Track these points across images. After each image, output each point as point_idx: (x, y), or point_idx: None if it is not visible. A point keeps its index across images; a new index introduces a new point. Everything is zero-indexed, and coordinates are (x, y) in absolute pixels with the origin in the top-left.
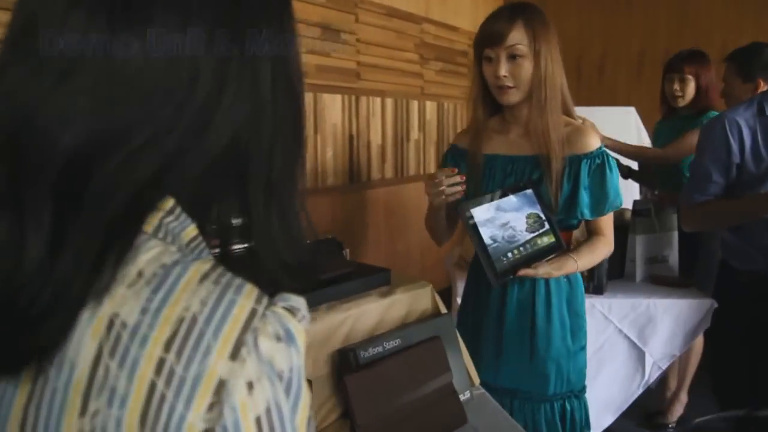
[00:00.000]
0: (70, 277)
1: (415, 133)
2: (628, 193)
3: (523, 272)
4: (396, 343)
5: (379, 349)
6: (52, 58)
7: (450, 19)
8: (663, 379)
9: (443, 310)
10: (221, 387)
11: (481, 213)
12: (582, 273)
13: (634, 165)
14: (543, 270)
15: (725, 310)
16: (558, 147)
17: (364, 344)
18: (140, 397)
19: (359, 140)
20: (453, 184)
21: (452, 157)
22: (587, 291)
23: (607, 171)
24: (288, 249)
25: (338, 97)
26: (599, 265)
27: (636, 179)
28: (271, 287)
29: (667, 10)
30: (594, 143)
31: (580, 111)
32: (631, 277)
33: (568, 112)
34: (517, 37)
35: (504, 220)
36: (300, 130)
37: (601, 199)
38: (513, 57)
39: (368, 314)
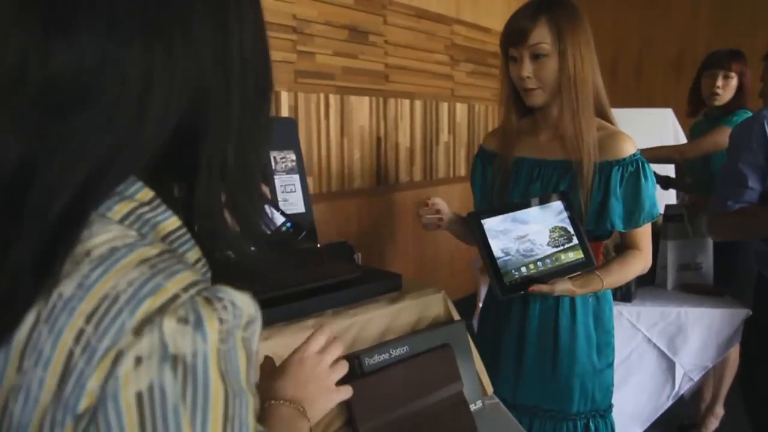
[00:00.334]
0: (19, 275)
1: (444, 136)
2: (661, 197)
3: (535, 288)
4: (403, 350)
5: (386, 356)
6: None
7: (482, 20)
8: (697, 391)
9: (456, 317)
10: (118, 358)
11: (494, 224)
12: None
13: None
14: (562, 287)
15: (759, 323)
16: (590, 152)
17: (369, 351)
18: (60, 361)
19: (387, 142)
20: (431, 215)
21: (480, 160)
22: (615, 298)
23: (642, 179)
24: (235, 236)
25: (366, 99)
26: None
27: (677, 188)
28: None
29: (708, 8)
30: (628, 149)
31: (616, 113)
32: (662, 285)
33: (603, 115)
34: (540, 36)
35: (521, 232)
36: (257, 117)
37: (634, 210)
38: (537, 56)
39: (375, 320)
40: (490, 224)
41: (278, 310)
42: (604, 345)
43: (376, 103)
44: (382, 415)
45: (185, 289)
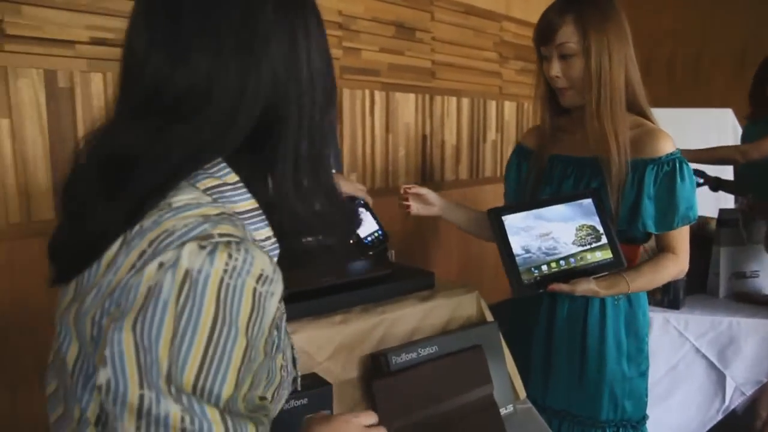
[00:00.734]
0: (114, 214)
1: (492, 134)
2: (714, 201)
3: (555, 287)
4: (432, 350)
5: (413, 355)
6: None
7: (532, 17)
8: (751, 406)
9: (489, 318)
10: (148, 263)
11: (515, 220)
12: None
13: (724, 174)
14: (584, 287)
15: None
16: (619, 151)
17: (397, 349)
18: (124, 270)
19: (433, 140)
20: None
21: (516, 156)
22: (662, 305)
23: (678, 179)
24: (299, 204)
25: (411, 96)
26: (677, 278)
27: (728, 190)
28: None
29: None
30: (665, 147)
31: (672, 113)
32: (714, 293)
33: (640, 112)
34: (567, 34)
35: (545, 230)
36: (325, 115)
37: (668, 211)
38: (564, 56)
39: (405, 318)
40: (511, 221)
41: (306, 304)
42: (636, 352)
43: (422, 100)
44: (407, 415)
45: (222, 235)
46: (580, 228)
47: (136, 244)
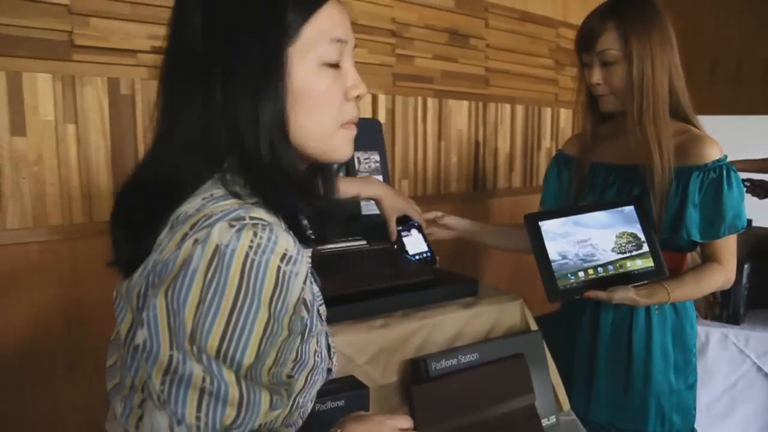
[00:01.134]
0: (157, 204)
1: (547, 142)
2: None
3: (592, 294)
4: (473, 357)
5: (454, 361)
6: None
7: None
8: None
9: (533, 327)
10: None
11: (553, 226)
12: (714, 299)
13: None
14: (622, 295)
15: None
16: (662, 158)
17: (437, 355)
18: (169, 250)
19: (486, 147)
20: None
21: (556, 163)
22: (720, 319)
23: (725, 187)
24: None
25: (465, 104)
26: (736, 292)
27: None
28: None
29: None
30: (711, 154)
31: (713, 120)
32: None
33: (686, 119)
34: (608, 41)
35: (583, 236)
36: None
37: (714, 219)
38: (605, 63)
39: (446, 324)
40: (548, 226)
41: (347, 308)
42: (684, 364)
43: (476, 108)
44: (445, 421)
45: (252, 218)
46: (621, 235)
47: (179, 228)
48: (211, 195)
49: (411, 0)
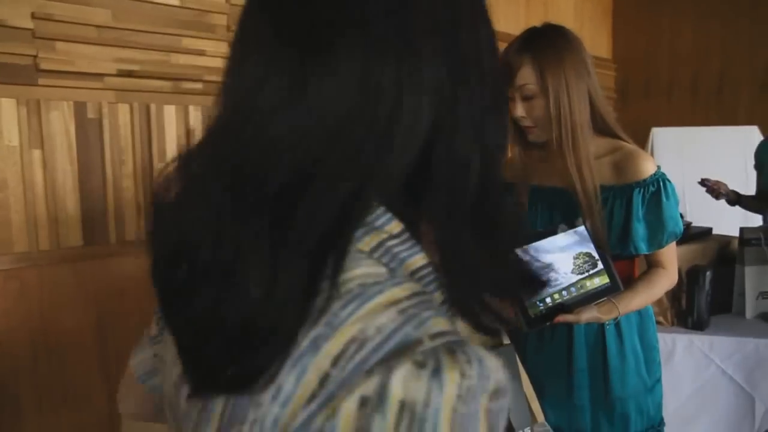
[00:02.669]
0: (286, 301)
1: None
2: (737, 218)
3: (561, 318)
4: None
5: None
6: (263, 97)
7: None
8: None
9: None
10: (345, 398)
11: None
12: (680, 307)
13: (742, 189)
14: (588, 315)
15: None
16: (584, 184)
17: None
18: (300, 402)
19: None
20: None
21: None
22: (686, 326)
23: (664, 198)
24: (481, 271)
25: None
26: (699, 299)
27: (746, 207)
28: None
29: None
30: (648, 168)
31: (697, 131)
32: (740, 313)
33: (614, 135)
34: (525, 76)
35: (545, 261)
36: (497, 134)
37: (658, 231)
38: (526, 97)
39: None
40: None
41: None
42: (651, 361)
43: None
44: None
45: (432, 337)
46: (578, 256)
47: (308, 360)
48: (337, 289)
49: None
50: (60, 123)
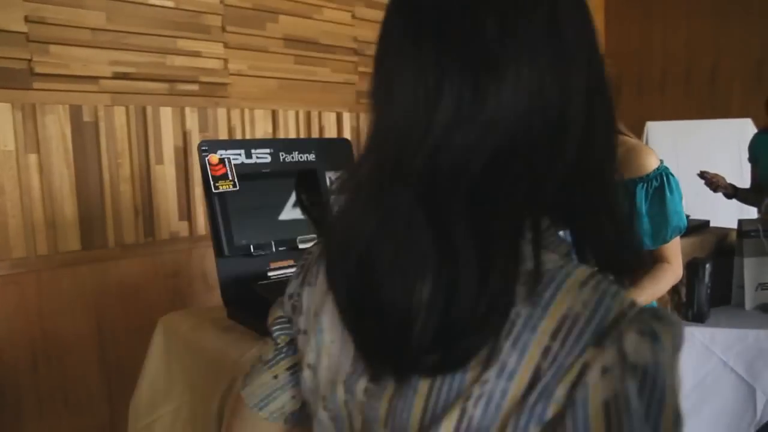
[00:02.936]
0: (500, 287)
1: None
2: (732, 211)
3: None
4: None
5: None
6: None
7: None
8: None
9: None
10: (583, 370)
11: None
12: (680, 300)
13: (737, 182)
14: None
15: None
16: None
17: None
18: (527, 374)
19: None
20: None
21: None
22: (686, 318)
23: (667, 193)
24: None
25: None
26: (699, 291)
27: (742, 200)
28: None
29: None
30: (650, 163)
31: (692, 124)
32: (740, 305)
33: (617, 130)
34: None
35: None
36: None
37: (662, 226)
38: None
39: None
40: None
41: None
42: None
43: None
44: None
45: (630, 307)
46: None
47: (527, 338)
48: (532, 274)
49: (371, 18)
50: (56, 127)
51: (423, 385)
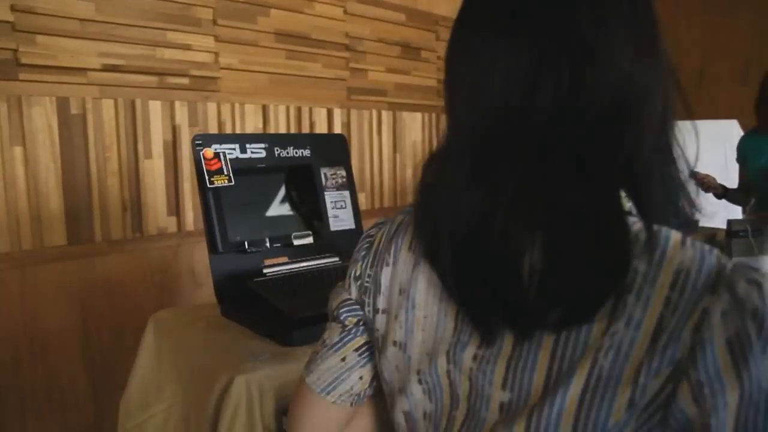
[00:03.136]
0: (620, 248)
1: None
2: (716, 210)
3: None
4: None
5: None
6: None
7: None
8: None
9: None
10: (704, 314)
11: None
12: None
13: (729, 183)
14: None
15: None
16: None
17: None
18: (652, 323)
19: None
20: None
21: None
22: None
23: None
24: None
25: (418, 116)
26: None
27: (731, 200)
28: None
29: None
30: None
31: (677, 125)
32: None
33: None
34: None
35: None
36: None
37: None
38: None
39: None
40: None
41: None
42: None
43: (429, 119)
44: None
45: (724, 260)
46: None
47: (649, 291)
48: (636, 235)
49: (363, 14)
50: (42, 119)
51: (547, 341)
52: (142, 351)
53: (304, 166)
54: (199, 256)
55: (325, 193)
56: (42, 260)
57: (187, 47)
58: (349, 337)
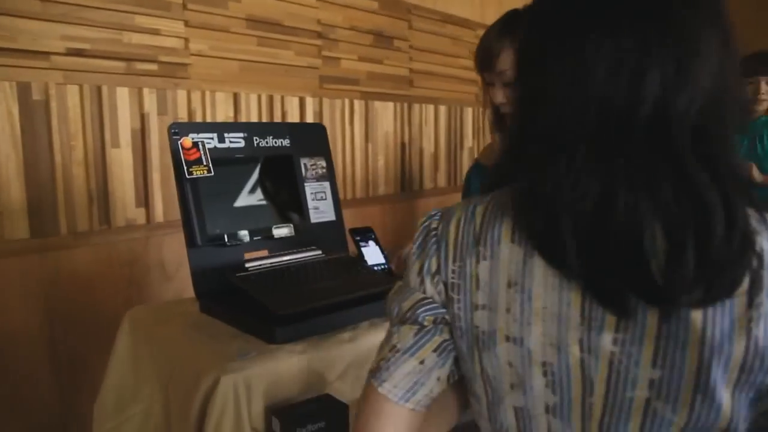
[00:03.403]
0: (746, 227)
1: (469, 141)
2: None
3: None
4: None
5: None
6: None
7: None
8: None
9: None
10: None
11: None
12: None
13: None
14: None
15: None
16: None
17: None
18: None
19: (411, 148)
20: None
21: (477, 173)
22: None
23: None
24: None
25: (390, 105)
26: None
27: None
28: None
29: (746, 8)
30: None
31: None
32: None
33: None
34: (506, 62)
35: None
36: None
37: None
38: (507, 83)
39: None
40: None
41: (313, 323)
42: None
43: (401, 109)
44: None
45: None
46: None
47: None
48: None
49: (335, 1)
50: (1, 105)
51: (696, 317)
52: (117, 350)
53: (283, 156)
54: (169, 248)
55: (305, 184)
56: (3, 254)
57: (155, 32)
58: (427, 337)
